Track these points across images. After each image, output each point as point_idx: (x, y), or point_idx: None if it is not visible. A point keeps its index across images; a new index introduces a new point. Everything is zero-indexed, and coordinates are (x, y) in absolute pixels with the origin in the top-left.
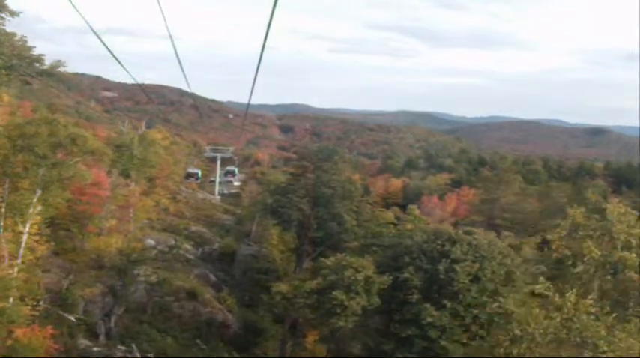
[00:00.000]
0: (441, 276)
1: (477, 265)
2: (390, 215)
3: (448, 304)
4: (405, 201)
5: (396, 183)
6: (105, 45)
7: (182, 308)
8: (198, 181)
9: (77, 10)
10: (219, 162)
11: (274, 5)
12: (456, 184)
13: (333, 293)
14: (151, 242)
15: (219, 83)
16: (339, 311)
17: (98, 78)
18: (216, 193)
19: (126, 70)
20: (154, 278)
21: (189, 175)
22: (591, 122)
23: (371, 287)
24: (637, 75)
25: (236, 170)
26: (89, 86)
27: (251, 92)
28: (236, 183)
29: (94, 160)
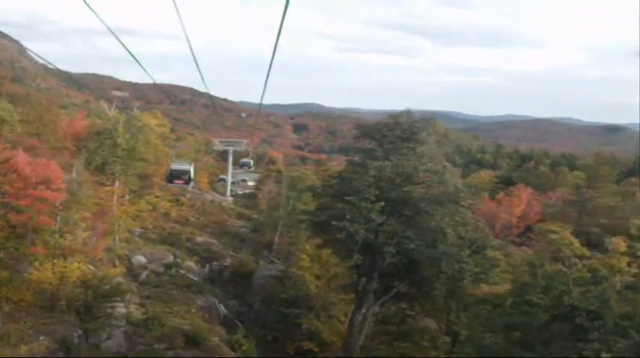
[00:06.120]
0: None
1: None
2: (568, 236)
3: None
4: None
5: None
6: (124, 45)
7: None
8: (190, 185)
9: (94, 12)
10: (231, 158)
11: (286, 6)
12: (505, 181)
13: None
14: (141, 259)
15: (231, 84)
16: None
17: (111, 78)
18: (228, 194)
19: (144, 69)
20: (138, 316)
21: (173, 175)
22: (605, 120)
23: None
24: None
25: (251, 162)
26: (100, 86)
27: (264, 90)
28: (250, 183)
29: (53, 149)
